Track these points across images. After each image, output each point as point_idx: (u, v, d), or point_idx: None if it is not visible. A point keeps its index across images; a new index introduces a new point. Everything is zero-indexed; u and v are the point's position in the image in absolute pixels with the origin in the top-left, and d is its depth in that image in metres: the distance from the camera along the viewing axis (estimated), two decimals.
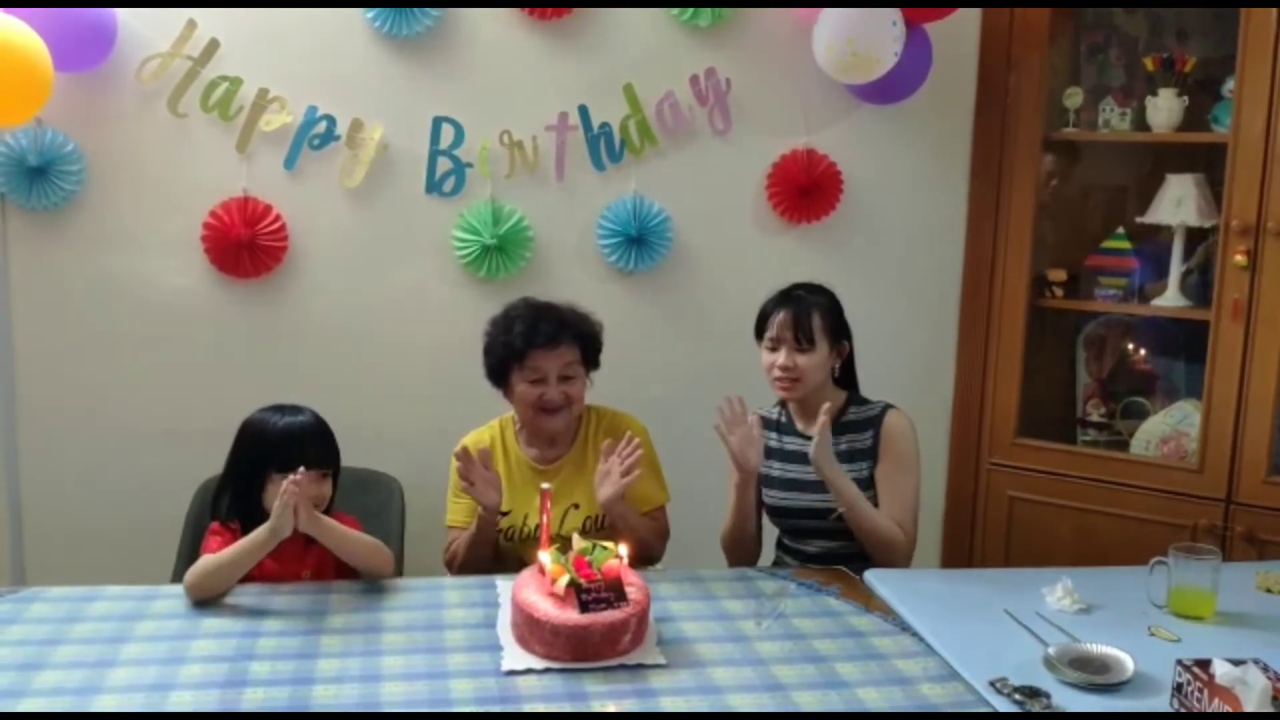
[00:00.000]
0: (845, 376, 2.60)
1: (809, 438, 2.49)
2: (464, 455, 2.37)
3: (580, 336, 2.50)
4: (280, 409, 2.34)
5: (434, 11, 2.91)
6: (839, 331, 2.52)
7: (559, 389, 2.46)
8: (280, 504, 2.13)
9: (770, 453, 2.53)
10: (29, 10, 2.61)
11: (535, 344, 2.45)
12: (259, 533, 2.15)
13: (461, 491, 2.55)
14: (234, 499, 2.30)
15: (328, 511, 2.31)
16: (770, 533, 2.63)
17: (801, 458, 2.47)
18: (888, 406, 2.53)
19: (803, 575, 2.35)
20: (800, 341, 2.46)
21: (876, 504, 2.46)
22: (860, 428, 2.51)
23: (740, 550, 2.55)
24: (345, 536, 2.23)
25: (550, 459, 2.57)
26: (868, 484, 2.47)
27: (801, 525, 2.51)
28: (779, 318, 2.49)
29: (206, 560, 2.17)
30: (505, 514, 2.54)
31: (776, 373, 2.49)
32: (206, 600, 2.13)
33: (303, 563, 2.29)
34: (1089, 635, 1.97)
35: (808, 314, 2.47)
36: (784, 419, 2.59)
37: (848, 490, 2.40)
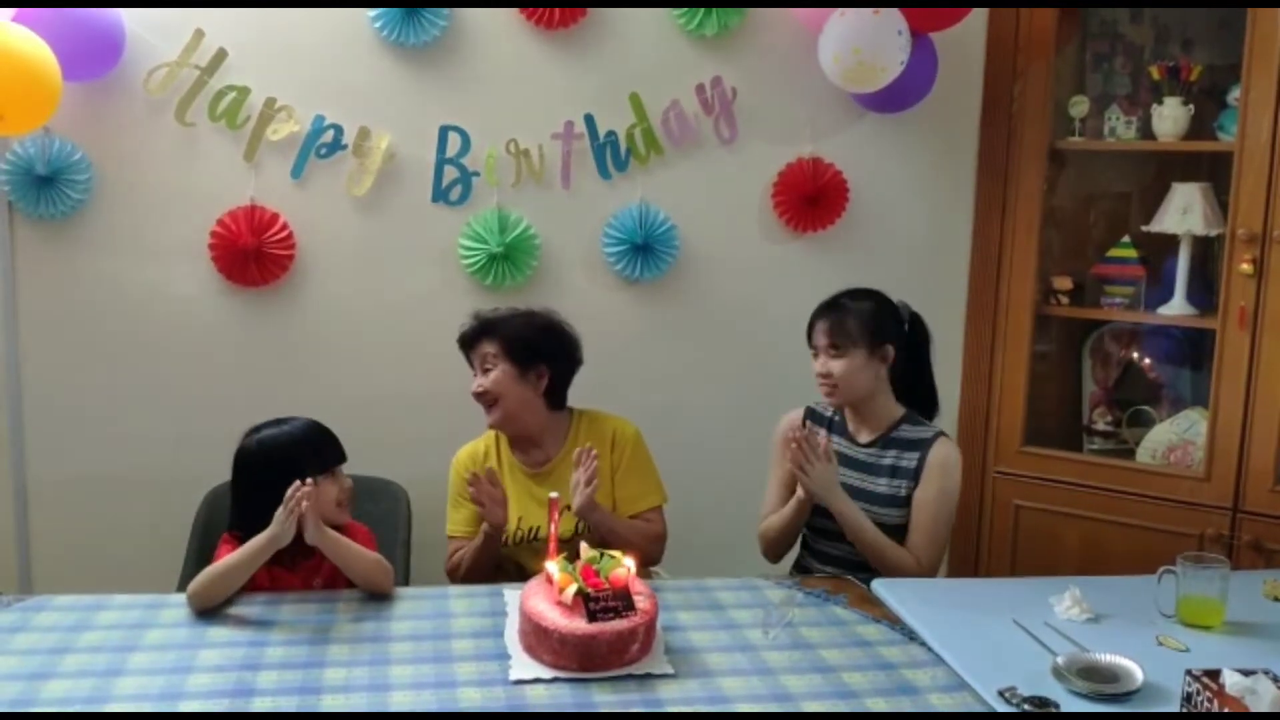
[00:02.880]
0: (913, 392, 2.57)
1: (859, 444, 2.51)
2: (475, 479, 2.43)
3: (501, 332, 2.56)
4: (276, 422, 2.34)
5: (441, 21, 2.92)
6: (879, 336, 2.49)
7: (477, 380, 2.57)
8: (283, 511, 2.12)
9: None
10: (38, 20, 2.62)
11: (462, 341, 2.61)
12: (258, 540, 2.14)
13: (460, 501, 2.58)
14: (250, 519, 2.22)
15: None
16: None
17: (845, 459, 2.50)
18: (940, 433, 2.51)
19: (810, 584, 2.35)
20: (833, 348, 2.46)
21: (908, 523, 2.46)
22: (909, 447, 2.49)
23: (781, 546, 2.57)
24: (350, 551, 2.22)
25: (539, 462, 2.60)
26: (903, 502, 2.46)
27: (831, 527, 2.50)
28: (819, 325, 2.50)
29: (207, 571, 2.16)
30: None
31: (818, 379, 2.49)
32: (209, 609, 2.13)
33: (316, 572, 2.29)
34: (1097, 645, 1.96)
35: (842, 319, 2.47)
36: (837, 418, 2.59)
37: (854, 520, 2.41)
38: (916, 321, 2.59)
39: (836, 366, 2.46)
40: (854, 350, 2.46)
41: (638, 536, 2.49)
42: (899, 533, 2.45)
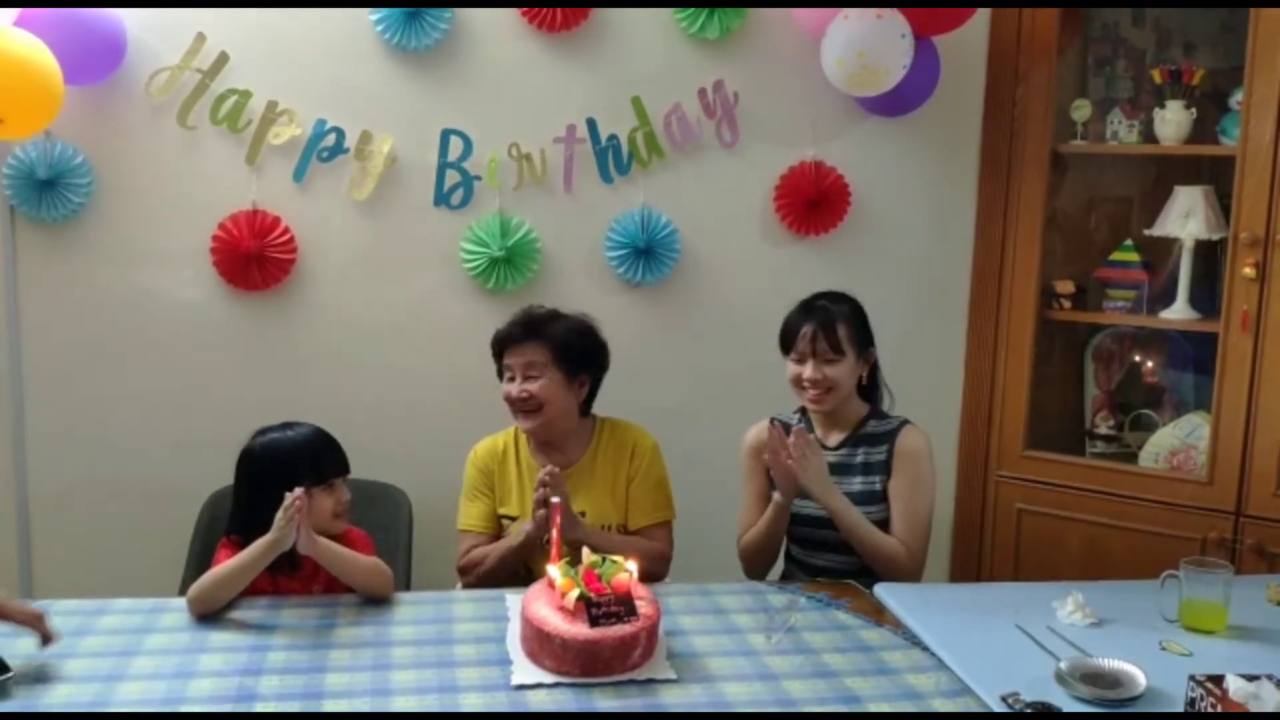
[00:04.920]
0: (868, 388, 2.59)
1: (828, 447, 2.51)
2: (553, 478, 2.33)
3: (551, 337, 2.52)
4: (283, 426, 2.34)
5: (442, 24, 2.92)
6: (865, 339, 2.51)
7: (520, 386, 2.50)
8: (282, 516, 2.11)
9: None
10: (39, 23, 2.62)
11: (506, 341, 2.54)
12: (259, 544, 2.13)
13: (476, 495, 2.57)
14: (249, 522, 2.23)
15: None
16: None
17: None
18: (905, 422, 2.53)
19: (812, 589, 2.34)
20: (829, 353, 2.45)
21: (888, 517, 2.46)
22: (877, 441, 2.50)
23: (764, 559, 2.55)
24: (343, 558, 2.21)
25: (560, 466, 2.57)
26: (880, 497, 2.47)
27: (814, 535, 2.50)
28: (805, 331, 2.48)
29: (208, 575, 2.16)
30: (514, 519, 2.55)
31: (806, 385, 2.48)
32: (209, 614, 2.13)
33: (315, 578, 2.29)
34: (1100, 649, 1.96)
35: (833, 324, 2.46)
36: (801, 424, 2.57)
37: (847, 516, 2.40)
38: None
39: (832, 372, 2.46)
40: (847, 355, 2.47)
41: (639, 553, 2.48)
42: (882, 529, 2.45)
